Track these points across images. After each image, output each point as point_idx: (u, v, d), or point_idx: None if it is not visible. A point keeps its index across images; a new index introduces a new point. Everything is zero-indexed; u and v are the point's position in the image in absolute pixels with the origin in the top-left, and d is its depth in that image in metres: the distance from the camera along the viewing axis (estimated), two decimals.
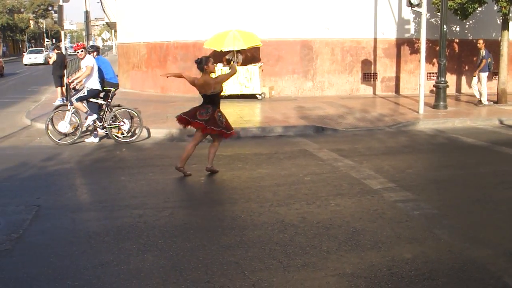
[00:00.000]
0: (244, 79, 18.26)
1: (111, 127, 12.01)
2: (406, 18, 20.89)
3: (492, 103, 18.03)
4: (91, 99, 12.00)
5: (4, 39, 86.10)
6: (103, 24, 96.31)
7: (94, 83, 11.90)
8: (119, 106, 12.50)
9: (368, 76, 20.70)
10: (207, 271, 5.18)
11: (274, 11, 19.24)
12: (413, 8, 16.37)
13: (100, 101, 12.18)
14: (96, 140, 12.19)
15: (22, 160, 10.31)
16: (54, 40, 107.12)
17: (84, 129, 12.15)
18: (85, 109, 11.92)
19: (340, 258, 5.53)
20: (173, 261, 5.43)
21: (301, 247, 5.77)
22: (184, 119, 8.86)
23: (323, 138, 12.46)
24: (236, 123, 13.28)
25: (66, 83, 17.43)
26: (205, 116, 8.70)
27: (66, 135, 12.12)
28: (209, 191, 7.97)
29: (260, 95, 18.57)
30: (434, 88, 16.88)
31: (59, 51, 20.58)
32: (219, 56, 18.90)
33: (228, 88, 18.12)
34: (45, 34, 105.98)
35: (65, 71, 19.53)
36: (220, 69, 18.05)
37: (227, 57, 18.90)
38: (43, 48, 69.14)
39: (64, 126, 11.94)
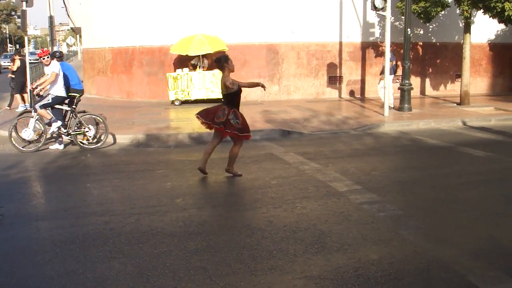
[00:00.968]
0: (210, 84, 18.24)
1: (76, 134, 11.90)
2: (371, 22, 21.14)
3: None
4: (56, 106, 11.87)
5: None
6: (68, 29, 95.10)
7: (59, 90, 11.78)
8: (84, 112, 12.39)
9: (334, 80, 20.87)
10: (174, 277, 5.16)
11: (240, 15, 19.27)
12: (377, 12, 16.56)
13: (65, 107, 12.07)
14: (61, 147, 12.06)
15: None
16: (17, 46, 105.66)
17: (48, 136, 12.00)
18: (50, 116, 11.77)
19: (307, 260, 5.55)
20: (140, 268, 5.39)
21: (268, 251, 5.79)
22: (203, 122, 8.97)
23: (289, 141, 12.51)
24: (203, 128, 13.23)
25: (29, 89, 17.19)
26: (222, 118, 8.69)
27: (30, 142, 11.97)
28: (175, 196, 7.92)
29: None
30: (399, 91, 17.08)
31: (22, 57, 20.28)
32: (184, 61, 18.88)
33: (193, 93, 18.11)
34: (8, 40, 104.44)
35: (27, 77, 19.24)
36: (186, 74, 18.02)
37: (192, 62, 18.88)
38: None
39: (28, 133, 11.79)
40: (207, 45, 17.94)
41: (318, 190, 8.27)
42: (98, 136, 12.22)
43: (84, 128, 11.96)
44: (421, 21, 19.50)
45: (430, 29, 22.35)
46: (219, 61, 8.92)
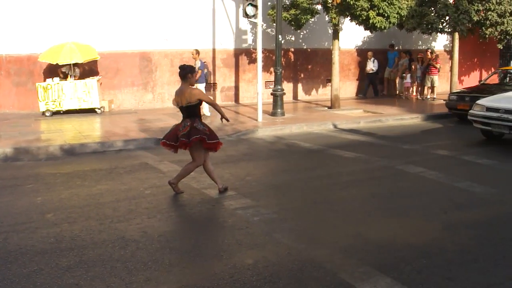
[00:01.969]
0: (82, 93, 17.75)
1: None
2: (243, 29, 21.40)
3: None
4: None
5: None
6: None
7: None
8: None
9: (208, 86, 20.92)
10: None
11: (113, 23, 18.89)
12: (249, 19, 16.78)
13: None
14: None
15: None
16: None
17: None
18: None
19: (183, 269, 5.55)
20: None
21: (143, 262, 5.72)
22: (168, 144, 8.44)
23: (164, 150, 12.29)
24: (75, 139, 12.94)
25: None
26: (185, 129, 8.23)
27: None
28: (46, 211, 7.63)
29: (99, 109, 18.15)
30: (272, 96, 17.39)
31: None
32: (54, 70, 18.26)
33: (65, 103, 17.57)
34: None
35: None
36: (57, 83, 17.44)
37: (63, 70, 18.30)
38: None
39: None
40: (78, 54, 17.44)
41: (192, 198, 8.28)
42: None
43: None
44: (292, 28, 19.99)
45: (301, 36, 22.96)
46: (184, 69, 8.34)
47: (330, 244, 6.26)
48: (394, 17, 17.84)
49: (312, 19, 20.21)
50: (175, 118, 16.86)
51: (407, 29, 21.60)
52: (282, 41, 17.81)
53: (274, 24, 17.65)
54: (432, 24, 20.29)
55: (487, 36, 21.88)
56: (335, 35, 19.17)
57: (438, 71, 23.26)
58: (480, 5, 20.52)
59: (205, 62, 17.64)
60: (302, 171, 10.36)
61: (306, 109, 19.57)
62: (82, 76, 18.42)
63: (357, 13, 17.61)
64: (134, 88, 19.81)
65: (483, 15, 21.08)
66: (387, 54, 24.65)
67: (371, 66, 23.66)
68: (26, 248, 6.23)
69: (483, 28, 21.58)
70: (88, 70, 18.97)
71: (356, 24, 18.79)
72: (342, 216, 7.41)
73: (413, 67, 23.58)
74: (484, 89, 17.33)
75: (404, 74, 24.12)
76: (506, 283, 5.22)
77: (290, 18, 18.96)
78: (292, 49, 22.77)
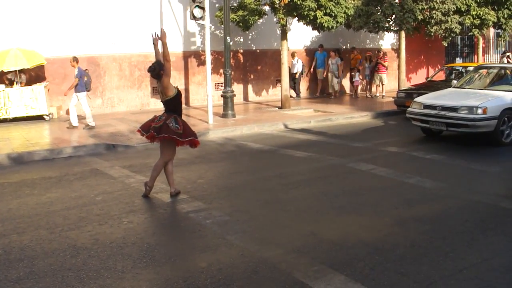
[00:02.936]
0: (29, 100, 17.40)
1: None
2: (192, 31, 21.31)
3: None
4: None
5: None
6: None
7: None
8: None
9: (157, 90, 20.77)
10: None
11: (58, 28, 18.56)
12: (197, 21, 16.73)
13: None
14: None
15: None
16: None
17: None
18: None
19: (136, 276, 5.49)
20: None
21: (96, 270, 5.64)
22: (140, 132, 8.39)
23: (115, 155, 12.28)
24: (23, 147, 12.68)
25: None
26: (158, 123, 8.13)
27: None
28: None
29: (47, 115, 17.82)
30: (222, 98, 17.38)
31: None
32: (0, 77, 17.86)
33: (12, 110, 17.20)
34: None
35: None
36: (2, 90, 17.07)
37: (8, 76, 17.91)
38: None
39: None
40: (23, 60, 17.08)
41: (144, 203, 8.20)
42: None
43: None
44: (241, 29, 20.02)
45: (250, 37, 23.00)
46: (154, 69, 8.20)
47: (284, 244, 6.28)
48: (341, 16, 18.05)
49: (260, 20, 20.29)
50: (125, 123, 16.77)
51: (354, 28, 21.85)
52: (231, 43, 17.83)
53: (222, 26, 17.63)
54: (378, 23, 20.57)
55: (432, 34, 22.33)
56: (284, 36, 19.27)
57: (386, 69, 23.64)
58: (424, 3, 20.95)
59: (86, 70, 17.07)
60: (254, 172, 10.37)
61: (256, 110, 19.61)
62: (29, 82, 18.06)
63: (305, 13, 17.75)
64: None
65: (428, 13, 21.53)
66: (315, 54, 24.38)
67: (296, 66, 23.35)
68: None
69: (428, 26, 22.04)
70: (34, 76, 18.61)
71: (304, 24, 18.93)
72: (295, 216, 7.44)
73: (361, 66, 23.99)
74: (431, 86, 17.67)
75: (353, 73, 24.45)
76: (456, 275, 5.32)
77: (238, 20, 18.98)
78: (241, 51, 22.79)
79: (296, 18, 18.95)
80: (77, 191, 9.04)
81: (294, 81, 23.47)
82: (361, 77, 24.63)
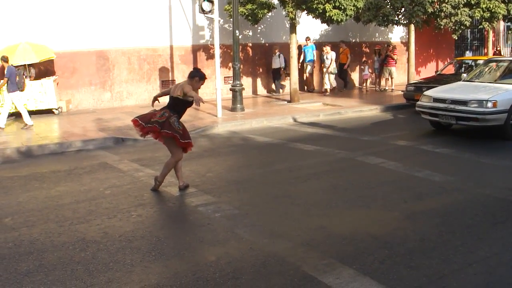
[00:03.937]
0: (38, 94, 17.44)
1: None
2: (200, 25, 21.31)
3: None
4: None
5: None
6: None
7: None
8: None
9: (167, 84, 20.77)
10: None
11: (67, 22, 18.58)
12: (206, 15, 16.71)
13: None
14: None
15: None
16: None
17: None
18: None
19: (145, 269, 5.49)
20: None
21: (104, 263, 5.65)
22: (139, 124, 8.25)
23: (124, 149, 12.30)
24: (33, 141, 12.72)
25: None
26: (161, 118, 8.10)
27: None
28: (3, 216, 7.46)
29: (57, 109, 17.87)
30: (231, 91, 17.36)
31: None
32: None
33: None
34: None
35: None
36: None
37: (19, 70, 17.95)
38: None
39: None
40: (32, 54, 17.11)
41: (153, 196, 8.21)
42: None
43: None
44: (250, 23, 19.98)
45: (259, 30, 22.96)
46: (198, 71, 8.37)
47: (292, 237, 6.27)
48: (351, 9, 17.97)
49: (269, 14, 20.24)
50: (133, 116, 16.71)
51: (363, 21, 21.75)
52: (240, 36, 17.79)
53: (231, 19, 17.59)
54: (388, 16, 20.48)
55: (442, 27, 22.23)
56: (292, 29, 19.22)
57: (396, 63, 23.54)
58: None
59: (18, 68, 16.34)
60: (263, 165, 10.36)
61: (265, 104, 19.59)
62: (38, 76, 18.10)
63: (314, 6, 17.69)
64: (91, 87, 19.55)
65: (438, 6, 21.41)
66: (303, 48, 23.45)
67: (277, 61, 22.62)
68: None
69: (438, 19, 21.92)
70: (44, 70, 18.65)
71: (313, 17, 18.87)
72: (304, 209, 7.42)
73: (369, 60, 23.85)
74: (440, 79, 17.58)
75: (362, 67, 24.36)
76: (466, 269, 5.29)
77: (247, 13, 18.96)
78: (250, 44, 22.75)
79: (305, 12, 18.89)
80: (86, 184, 9.07)
81: (275, 77, 22.92)
82: (370, 70, 24.54)
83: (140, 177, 9.42)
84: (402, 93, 18.93)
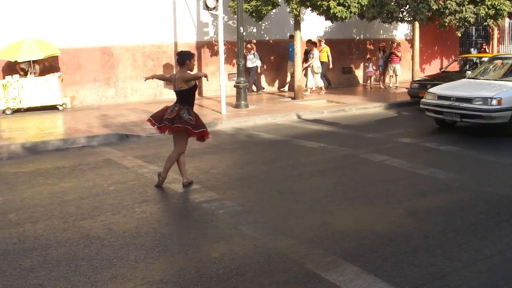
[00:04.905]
0: (43, 90, 17.46)
1: None
2: (205, 22, 21.30)
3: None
4: None
5: None
6: None
7: None
8: None
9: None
10: None
11: (72, 18, 18.60)
12: (210, 11, 16.70)
13: None
14: None
15: None
16: None
17: None
18: None
19: (149, 265, 5.50)
20: None
21: (108, 260, 5.65)
22: (153, 123, 8.31)
23: (128, 145, 12.31)
24: (37, 137, 12.74)
25: None
26: (171, 114, 8.12)
27: None
28: (8, 211, 7.49)
29: (61, 105, 17.88)
30: (235, 88, 17.36)
31: None
32: (14, 67, 17.93)
33: (26, 100, 17.28)
34: None
35: None
36: (17, 80, 17.13)
37: (22, 66, 17.98)
38: None
39: None
40: (37, 50, 17.14)
41: (157, 192, 8.22)
42: None
43: None
44: (254, 19, 19.97)
45: (263, 27, 22.94)
46: (183, 54, 8.25)
47: (296, 234, 6.27)
48: (355, 6, 17.92)
49: (273, 10, 20.19)
50: (138, 112, 16.80)
51: (367, 18, 21.72)
52: (244, 33, 17.78)
53: (235, 16, 17.58)
54: (392, 13, 20.45)
55: (446, 24, 22.17)
56: (297, 26, 19.20)
57: (400, 60, 23.48)
58: None
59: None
60: (267, 162, 10.36)
61: (269, 100, 19.60)
62: (43, 72, 18.12)
63: (318, 3, 17.66)
64: (96, 83, 19.57)
65: (442, 3, 21.36)
66: (289, 46, 22.49)
67: (253, 60, 21.69)
68: None
69: (443, 16, 21.87)
70: (48, 66, 18.68)
71: (317, 14, 18.83)
72: (307, 206, 7.43)
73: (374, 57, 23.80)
74: (445, 77, 17.55)
75: (366, 64, 24.33)
76: (470, 267, 5.29)
77: (251, 10, 18.94)
78: (254, 41, 22.72)
79: (310, 8, 18.86)
80: (90, 180, 9.08)
81: (250, 76, 21.80)
82: (374, 67, 24.51)
83: (144, 173, 9.43)
84: (407, 90, 18.90)
